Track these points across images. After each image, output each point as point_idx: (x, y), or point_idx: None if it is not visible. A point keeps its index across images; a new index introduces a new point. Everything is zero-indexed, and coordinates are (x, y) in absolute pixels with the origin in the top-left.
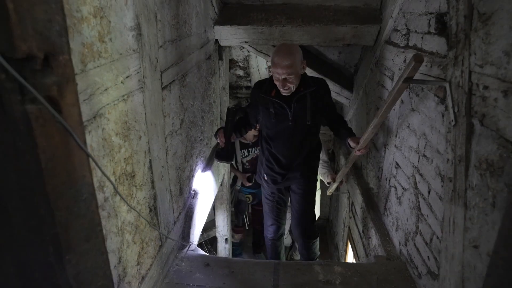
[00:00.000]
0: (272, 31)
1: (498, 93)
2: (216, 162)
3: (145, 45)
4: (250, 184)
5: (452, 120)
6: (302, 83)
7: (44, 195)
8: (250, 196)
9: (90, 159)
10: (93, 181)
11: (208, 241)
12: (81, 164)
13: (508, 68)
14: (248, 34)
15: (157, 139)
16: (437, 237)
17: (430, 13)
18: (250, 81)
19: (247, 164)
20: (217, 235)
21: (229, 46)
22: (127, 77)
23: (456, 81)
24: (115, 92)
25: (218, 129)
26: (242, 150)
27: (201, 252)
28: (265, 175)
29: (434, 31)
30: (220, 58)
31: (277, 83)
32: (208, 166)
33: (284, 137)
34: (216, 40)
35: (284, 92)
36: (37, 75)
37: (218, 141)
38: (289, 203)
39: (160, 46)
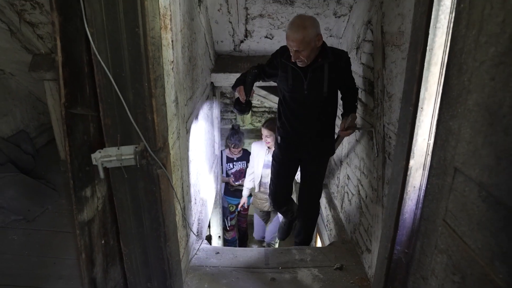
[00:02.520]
0: None
1: (394, 142)
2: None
3: (179, 108)
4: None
5: (376, 153)
6: (321, 53)
7: (161, 212)
8: (234, 205)
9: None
10: (174, 203)
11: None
12: (171, 195)
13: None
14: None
15: (184, 168)
16: (371, 226)
17: (365, 78)
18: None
19: (232, 176)
20: (212, 233)
21: (221, 86)
22: (173, 133)
23: (378, 129)
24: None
25: (237, 84)
26: (228, 164)
27: (209, 245)
28: (279, 138)
29: (367, 91)
30: (214, 95)
31: (291, 54)
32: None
33: (299, 105)
34: (212, 83)
35: (299, 64)
36: (158, 154)
37: (238, 95)
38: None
39: (185, 105)
